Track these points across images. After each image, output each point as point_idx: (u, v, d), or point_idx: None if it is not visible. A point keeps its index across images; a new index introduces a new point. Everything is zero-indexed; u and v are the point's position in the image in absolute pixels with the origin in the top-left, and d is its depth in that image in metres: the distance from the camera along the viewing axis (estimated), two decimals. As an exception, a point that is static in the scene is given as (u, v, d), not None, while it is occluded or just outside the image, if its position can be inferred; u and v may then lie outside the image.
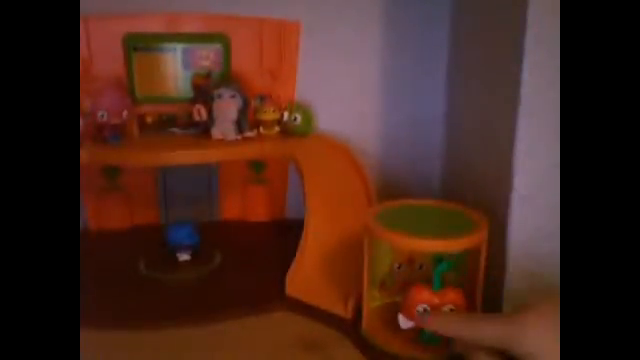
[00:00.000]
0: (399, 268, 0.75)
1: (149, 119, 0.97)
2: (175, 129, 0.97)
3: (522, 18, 0.66)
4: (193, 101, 0.94)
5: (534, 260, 0.73)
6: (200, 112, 0.91)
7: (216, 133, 0.91)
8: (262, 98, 1.00)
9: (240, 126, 0.91)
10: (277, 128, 0.98)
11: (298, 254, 0.81)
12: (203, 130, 0.92)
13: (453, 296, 0.65)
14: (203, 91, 0.94)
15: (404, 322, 0.67)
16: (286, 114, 0.98)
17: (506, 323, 0.53)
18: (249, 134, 0.92)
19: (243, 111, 0.91)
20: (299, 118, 0.98)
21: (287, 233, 0.91)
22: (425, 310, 0.64)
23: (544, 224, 0.71)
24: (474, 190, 0.85)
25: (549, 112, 0.67)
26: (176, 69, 0.97)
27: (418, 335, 0.67)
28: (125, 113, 0.90)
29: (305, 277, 0.80)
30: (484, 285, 0.68)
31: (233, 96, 0.90)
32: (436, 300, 0.65)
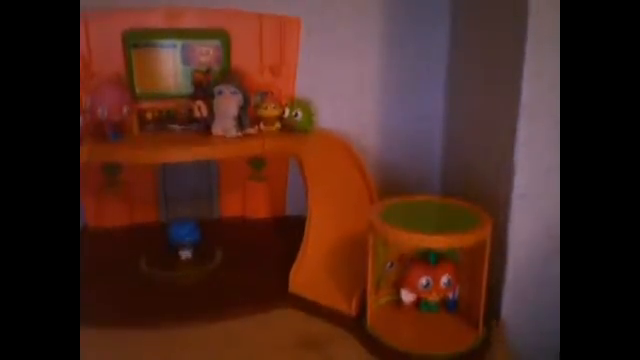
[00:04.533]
0: (390, 267, 0.75)
1: (149, 115, 0.96)
2: (175, 125, 0.96)
3: (523, 19, 0.66)
4: (193, 97, 0.94)
5: (534, 259, 0.72)
6: (201, 108, 0.91)
7: (217, 129, 0.90)
8: (263, 94, 0.99)
9: (241, 122, 0.90)
10: (278, 124, 0.98)
11: (301, 251, 0.81)
12: (203, 127, 0.91)
13: (448, 268, 0.71)
14: (204, 87, 0.93)
15: (407, 296, 0.72)
16: (287, 110, 0.97)
17: None
18: (250, 130, 0.92)
19: (244, 107, 0.90)
20: (300, 114, 0.97)
21: (287, 230, 0.90)
22: (428, 282, 0.70)
23: (544, 224, 0.71)
24: (474, 189, 0.85)
25: (550, 114, 0.67)
26: (176, 65, 0.97)
27: (418, 306, 0.73)
28: (125, 109, 0.89)
29: (308, 274, 0.79)
30: (488, 281, 0.68)
31: (234, 92, 0.89)
32: (434, 272, 0.70)
